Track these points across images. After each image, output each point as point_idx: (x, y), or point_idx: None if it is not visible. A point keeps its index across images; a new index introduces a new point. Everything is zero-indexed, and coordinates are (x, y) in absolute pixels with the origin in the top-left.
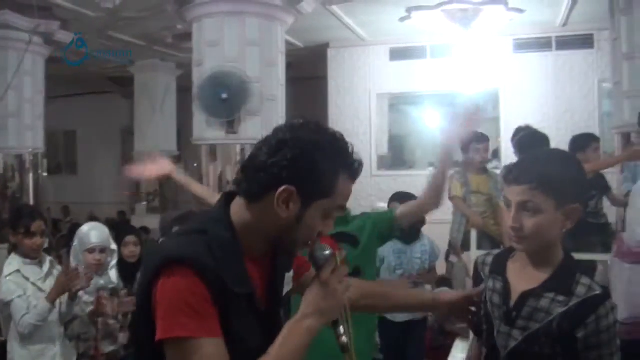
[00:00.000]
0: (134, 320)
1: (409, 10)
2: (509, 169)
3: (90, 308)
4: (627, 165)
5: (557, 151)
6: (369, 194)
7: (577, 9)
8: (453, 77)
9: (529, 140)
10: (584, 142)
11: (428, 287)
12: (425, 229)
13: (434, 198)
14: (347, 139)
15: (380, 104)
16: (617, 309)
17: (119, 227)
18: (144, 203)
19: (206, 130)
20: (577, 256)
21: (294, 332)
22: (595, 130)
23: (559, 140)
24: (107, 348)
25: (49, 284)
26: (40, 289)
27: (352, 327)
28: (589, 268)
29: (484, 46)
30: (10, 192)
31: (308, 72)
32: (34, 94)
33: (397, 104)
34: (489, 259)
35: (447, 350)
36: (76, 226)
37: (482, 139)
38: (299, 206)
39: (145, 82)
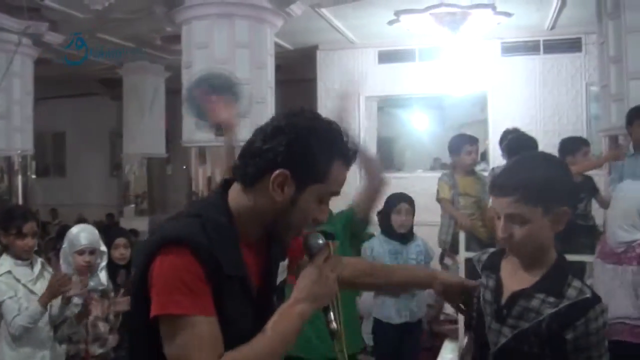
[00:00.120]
0: (129, 313)
1: (398, 13)
2: (493, 182)
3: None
4: (614, 167)
5: (541, 155)
6: None
7: (564, 13)
8: (441, 80)
9: (517, 143)
10: (573, 145)
11: None
12: (415, 231)
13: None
14: None
15: (368, 106)
16: (607, 311)
17: (108, 230)
18: (133, 205)
19: (195, 132)
20: (566, 258)
21: (286, 316)
22: (583, 133)
23: (547, 143)
24: (97, 351)
25: (39, 286)
26: (31, 291)
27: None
28: (578, 269)
29: (472, 49)
30: None
31: (297, 74)
32: (22, 95)
33: (385, 106)
34: (484, 257)
35: (437, 351)
36: (65, 228)
37: (474, 140)
38: (293, 190)
39: (134, 84)
